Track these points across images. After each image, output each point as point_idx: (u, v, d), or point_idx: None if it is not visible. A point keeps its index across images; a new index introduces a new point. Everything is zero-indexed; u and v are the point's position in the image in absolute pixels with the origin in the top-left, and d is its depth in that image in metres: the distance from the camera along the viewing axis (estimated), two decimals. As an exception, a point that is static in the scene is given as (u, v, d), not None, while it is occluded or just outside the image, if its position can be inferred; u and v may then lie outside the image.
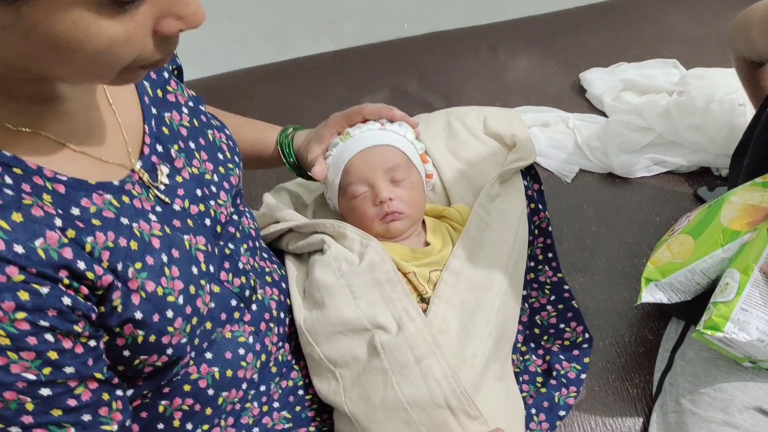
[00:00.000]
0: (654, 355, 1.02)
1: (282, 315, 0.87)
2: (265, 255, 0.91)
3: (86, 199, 0.60)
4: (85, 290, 0.58)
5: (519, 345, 1.01)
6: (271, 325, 0.84)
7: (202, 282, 0.69)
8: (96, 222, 0.60)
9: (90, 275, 0.57)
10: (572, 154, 1.32)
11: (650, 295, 0.92)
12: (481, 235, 0.95)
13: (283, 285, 0.91)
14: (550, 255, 1.10)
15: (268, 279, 0.88)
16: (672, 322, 1.05)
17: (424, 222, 1.00)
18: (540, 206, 1.06)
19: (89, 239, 0.58)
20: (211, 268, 0.72)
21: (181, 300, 0.65)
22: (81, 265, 0.57)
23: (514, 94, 1.46)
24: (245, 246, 0.83)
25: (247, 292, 0.79)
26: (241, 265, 0.80)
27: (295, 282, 0.93)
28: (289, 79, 1.57)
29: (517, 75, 1.52)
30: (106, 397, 0.62)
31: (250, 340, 0.78)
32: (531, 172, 1.07)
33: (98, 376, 0.60)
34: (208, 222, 0.74)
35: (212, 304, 0.71)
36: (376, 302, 0.86)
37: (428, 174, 1.01)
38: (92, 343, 0.60)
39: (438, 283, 0.89)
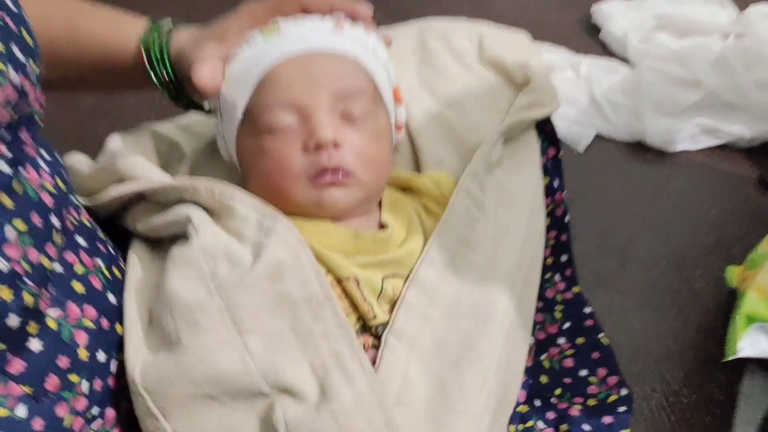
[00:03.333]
0: (727, 427, 0.77)
1: (101, 357, 0.53)
2: (80, 241, 0.55)
3: None
4: None
5: (520, 405, 0.70)
6: (73, 378, 0.50)
7: None
8: None
9: None
10: (586, 112, 1.11)
11: (753, 343, 0.67)
12: (471, 226, 0.64)
13: (112, 299, 0.55)
14: (563, 258, 0.81)
15: (77, 287, 0.52)
16: (754, 373, 0.80)
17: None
18: (555, 183, 0.77)
19: None
20: None
21: None
22: None
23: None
24: (20, 224, 0.48)
25: (14, 319, 0.47)
26: (4, 264, 0.46)
27: (135, 294, 0.57)
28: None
29: (506, 4, 1.34)
30: None
31: (21, 412, 0.48)
32: (546, 130, 0.77)
33: None
34: None
35: None
36: (283, 342, 0.53)
37: (398, 124, 0.69)
38: None
39: (398, 305, 0.57)
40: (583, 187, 1.01)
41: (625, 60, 1.20)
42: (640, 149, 1.08)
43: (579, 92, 1.13)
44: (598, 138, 1.09)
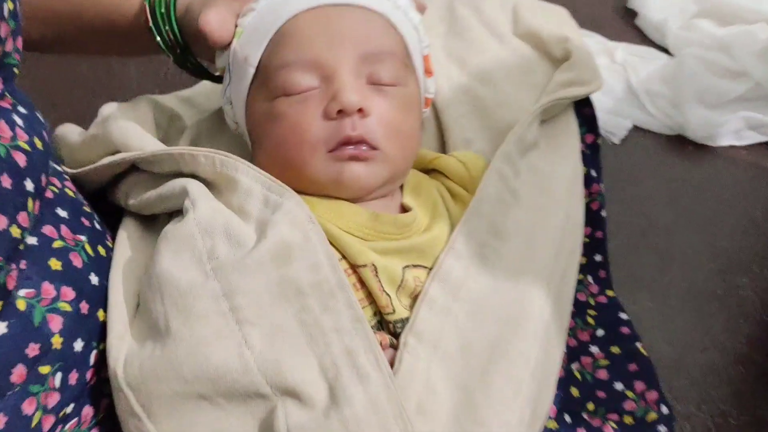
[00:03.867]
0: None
1: (78, 346, 0.47)
2: (61, 212, 0.49)
3: None
4: None
5: (549, 420, 0.62)
6: (43, 370, 0.44)
7: None
8: None
9: None
10: (622, 101, 1.06)
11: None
12: (504, 214, 0.57)
13: (94, 280, 0.49)
14: (597, 258, 0.73)
15: (54, 264, 0.46)
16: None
17: None
18: (592, 173, 0.70)
19: None
20: None
21: None
22: None
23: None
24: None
25: None
26: None
27: (123, 277, 0.50)
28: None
29: None
30: None
31: None
32: (584, 112, 0.70)
33: None
34: None
35: None
36: (288, 336, 0.46)
37: (427, 98, 0.62)
38: None
39: (419, 301, 0.50)
40: (620, 180, 0.96)
41: (663, 48, 1.15)
42: (680, 142, 1.03)
43: (614, 80, 1.08)
44: (635, 129, 1.04)
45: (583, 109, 0.70)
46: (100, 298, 0.48)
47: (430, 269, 0.52)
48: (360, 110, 0.51)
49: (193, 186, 0.50)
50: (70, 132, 0.63)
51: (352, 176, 0.52)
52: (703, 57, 1.05)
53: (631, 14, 1.24)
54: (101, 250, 0.50)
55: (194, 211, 0.48)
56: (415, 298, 0.51)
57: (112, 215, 0.57)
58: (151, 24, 0.60)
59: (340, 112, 0.51)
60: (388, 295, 0.50)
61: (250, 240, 0.48)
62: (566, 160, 0.64)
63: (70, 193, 0.51)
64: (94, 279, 0.48)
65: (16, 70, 0.47)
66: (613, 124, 1.02)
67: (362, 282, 0.50)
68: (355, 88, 0.52)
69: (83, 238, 0.49)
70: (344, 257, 0.50)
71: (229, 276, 0.45)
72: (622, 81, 1.07)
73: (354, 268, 0.50)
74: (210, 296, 0.45)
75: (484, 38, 0.71)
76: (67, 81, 1.03)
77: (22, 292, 0.42)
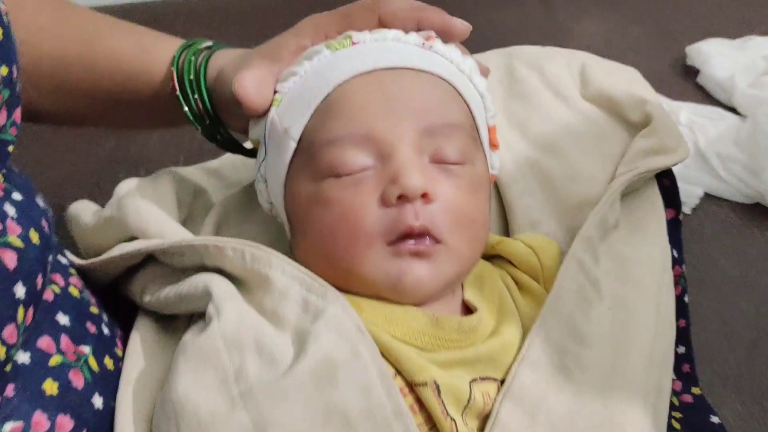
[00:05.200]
0: None
1: None
2: (61, 318, 0.42)
3: None
4: None
5: None
6: None
7: None
8: None
9: None
10: (690, 166, 0.96)
11: None
12: (586, 313, 0.48)
13: (97, 403, 0.41)
14: (680, 350, 0.65)
15: (49, 388, 0.38)
16: None
17: None
18: (674, 252, 0.62)
19: None
20: None
21: None
22: None
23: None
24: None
25: None
26: None
27: (133, 397, 0.42)
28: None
29: (584, 43, 1.17)
30: None
31: None
32: (664, 184, 0.63)
33: None
34: None
35: None
36: None
37: (492, 174, 0.55)
38: None
39: (489, 425, 0.42)
40: (694, 259, 0.81)
41: (730, 108, 1.06)
42: (760, 213, 0.92)
43: (681, 143, 0.97)
44: (708, 198, 0.94)
45: (662, 181, 0.62)
46: (104, 424, 0.40)
47: (502, 382, 0.44)
48: (424, 195, 0.44)
49: (218, 286, 0.42)
50: (83, 211, 0.56)
51: (414, 279, 0.44)
52: (780, 117, 0.96)
53: (691, 72, 1.16)
54: (108, 363, 0.43)
55: (219, 319, 0.40)
56: (484, 419, 0.43)
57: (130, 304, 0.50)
58: (178, 92, 0.53)
59: (400, 197, 0.43)
60: (453, 420, 0.41)
61: (287, 355, 0.39)
62: (653, 242, 0.56)
63: (75, 293, 0.44)
64: (97, 401, 0.40)
65: (11, 148, 0.40)
66: (683, 191, 0.88)
67: (421, 403, 0.41)
68: (418, 167, 0.44)
69: (87, 350, 0.41)
70: (399, 373, 0.41)
71: (261, 403, 0.37)
72: (690, 144, 0.95)
73: (411, 386, 0.41)
74: (237, 429, 0.37)
75: (549, 102, 0.63)
76: (84, 147, 0.97)
77: (7, 427, 0.34)
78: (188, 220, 0.59)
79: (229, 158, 0.72)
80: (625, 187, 0.55)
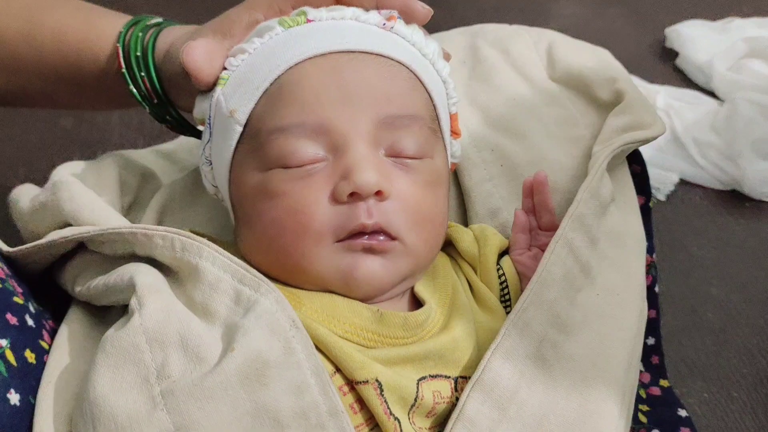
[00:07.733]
0: None
1: None
2: None
3: None
4: None
5: None
6: None
7: None
8: None
9: None
10: (666, 151, 0.98)
11: None
12: (571, 300, 0.47)
13: (13, 400, 0.39)
14: (649, 341, 0.67)
15: None
16: None
17: None
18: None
19: None
20: None
21: None
22: None
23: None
24: None
25: None
26: None
27: (54, 393, 0.41)
28: None
29: (563, 24, 1.22)
30: None
31: None
32: (634, 170, 0.64)
33: None
34: None
35: None
36: None
37: (453, 163, 0.55)
38: None
39: (452, 422, 0.41)
40: (666, 246, 0.86)
41: (708, 91, 1.08)
42: (735, 199, 0.94)
43: (657, 128, 0.98)
44: (683, 183, 0.96)
45: (630, 165, 0.62)
46: (22, 422, 0.38)
47: (455, 380, 0.43)
48: (378, 192, 0.42)
49: (144, 277, 0.40)
50: (23, 195, 0.54)
51: (366, 273, 0.43)
52: (759, 102, 0.97)
53: (670, 55, 1.18)
54: (29, 356, 0.41)
55: (141, 313, 0.38)
56: (436, 418, 0.41)
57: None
58: (124, 69, 0.53)
59: (352, 194, 0.42)
60: (396, 419, 0.39)
61: (215, 352, 0.38)
62: (638, 223, 0.56)
63: (-4, 283, 0.41)
64: (13, 398, 0.38)
65: None
66: (657, 177, 0.93)
67: (362, 403, 0.40)
68: (373, 163, 0.43)
69: (4, 342, 0.39)
70: (338, 371, 0.40)
71: (183, 404, 0.36)
72: (666, 129, 0.98)
73: (352, 384, 0.40)
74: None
75: (513, 83, 0.63)
76: (40, 128, 0.96)
77: None
78: (134, 205, 0.58)
79: (184, 141, 0.71)
80: (608, 163, 0.54)
